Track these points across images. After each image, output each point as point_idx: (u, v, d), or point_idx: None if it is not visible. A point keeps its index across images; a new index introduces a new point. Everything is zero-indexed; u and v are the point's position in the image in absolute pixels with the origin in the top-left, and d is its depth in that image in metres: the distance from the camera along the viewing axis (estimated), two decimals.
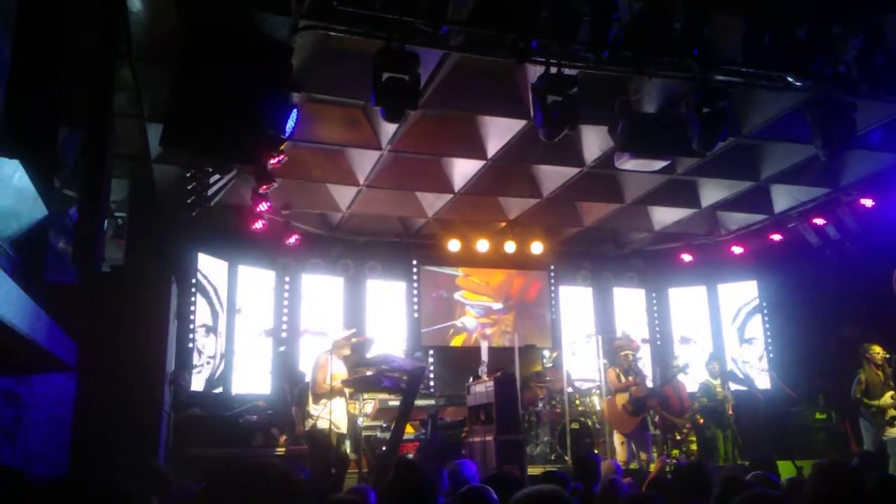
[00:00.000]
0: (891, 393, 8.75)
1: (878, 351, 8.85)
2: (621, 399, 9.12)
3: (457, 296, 12.38)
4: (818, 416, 10.48)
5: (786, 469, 8.70)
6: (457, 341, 12.18)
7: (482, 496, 3.51)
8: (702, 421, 9.73)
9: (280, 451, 8.66)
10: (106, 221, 7.80)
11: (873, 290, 10.23)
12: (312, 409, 7.81)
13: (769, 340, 12.25)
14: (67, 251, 5.64)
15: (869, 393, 8.81)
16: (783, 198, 10.53)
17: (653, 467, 8.92)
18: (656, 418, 10.11)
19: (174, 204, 8.26)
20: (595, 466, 5.52)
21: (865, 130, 7.58)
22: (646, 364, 11.76)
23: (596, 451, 9.32)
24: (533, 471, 8.81)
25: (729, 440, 9.58)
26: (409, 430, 9.41)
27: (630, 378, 9.19)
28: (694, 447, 9.90)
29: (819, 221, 10.28)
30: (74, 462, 4.98)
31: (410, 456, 8.99)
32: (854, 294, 10.38)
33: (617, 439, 9.24)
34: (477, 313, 12.41)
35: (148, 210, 8.84)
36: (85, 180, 5.11)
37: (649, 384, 9.95)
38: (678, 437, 9.94)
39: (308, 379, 8.31)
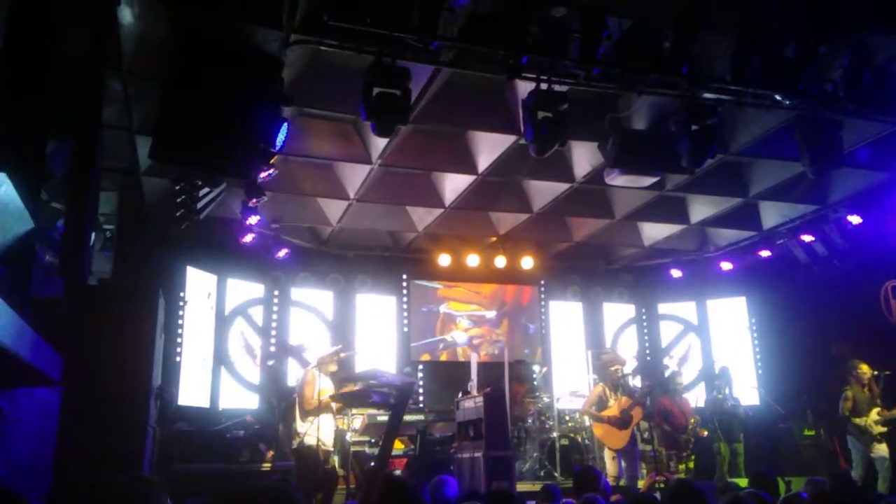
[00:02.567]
0: (877, 409, 8.79)
1: (865, 370, 8.90)
2: (607, 414, 9.07)
3: (443, 309, 12.35)
4: (807, 432, 10.49)
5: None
6: (445, 356, 12.14)
7: None
8: (705, 433, 9.66)
9: (266, 466, 8.58)
10: (94, 234, 7.76)
11: (861, 307, 10.29)
12: (300, 425, 7.74)
13: (758, 356, 12.27)
14: (54, 264, 5.60)
15: (856, 410, 8.86)
16: (771, 214, 10.59)
17: (641, 483, 8.89)
18: (646, 434, 10.08)
19: (163, 217, 8.22)
20: (597, 481, 5.47)
21: (852, 148, 7.64)
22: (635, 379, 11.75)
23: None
24: (522, 487, 8.78)
25: (740, 454, 9.55)
26: (398, 446, 9.36)
27: (612, 405, 9.10)
28: (691, 465, 9.84)
29: (807, 238, 10.33)
30: (58, 476, 4.92)
31: (398, 472, 8.94)
32: (842, 311, 10.43)
33: (607, 455, 9.19)
34: (467, 325, 12.38)
35: (136, 223, 8.80)
36: (72, 192, 5.08)
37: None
38: (684, 454, 9.88)
39: (295, 395, 8.24)
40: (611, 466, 9.02)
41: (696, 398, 10.70)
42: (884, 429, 8.78)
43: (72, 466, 5.12)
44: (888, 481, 8.57)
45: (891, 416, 8.75)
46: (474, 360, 10.41)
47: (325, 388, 7.94)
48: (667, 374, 10.90)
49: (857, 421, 8.81)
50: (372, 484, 7.65)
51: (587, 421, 10.02)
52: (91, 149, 5.29)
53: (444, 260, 11.70)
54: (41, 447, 4.72)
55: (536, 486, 9.02)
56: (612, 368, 9.38)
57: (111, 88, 6.17)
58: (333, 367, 8.29)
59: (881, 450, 8.72)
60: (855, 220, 9.55)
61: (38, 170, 4.82)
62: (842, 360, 9.50)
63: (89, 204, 5.25)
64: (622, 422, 8.91)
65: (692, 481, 5.91)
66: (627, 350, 12.78)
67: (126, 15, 5.49)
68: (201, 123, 5.30)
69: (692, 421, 9.90)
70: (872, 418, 8.76)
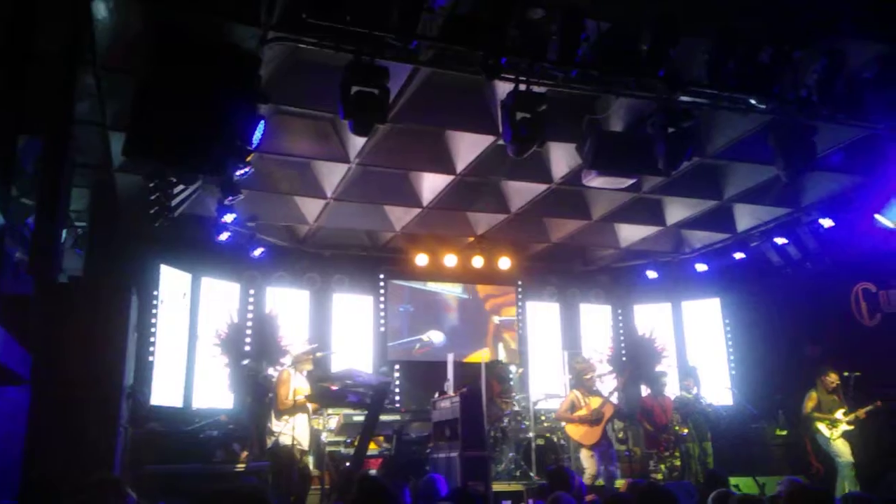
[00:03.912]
0: (844, 409, 9.05)
1: (833, 378, 9.16)
2: (579, 414, 9.22)
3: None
4: (778, 432, 10.63)
5: (747, 486, 8.81)
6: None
7: None
8: (685, 431, 9.74)
9: (240, 466, 8.49)
10: (65, 231, 7.64)
11: (833, 309, 10.44)
12: (275, 424, 7.68)
13: (731, 357, 12.40)
14: (24, 261, 5.50)
15: (820, 409, 9.15)
16: (746, 217, 10.71)
17: (619, 483, 8.94)
18: (621, 434, 10.14)
19: (136, 214, 8.11)
20: (569, 479, 5.52)
21: (825, 152, 7.76)
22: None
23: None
24: (498, 487, 8.80)
25: (709, 453, 9.64)
26: (374, 446, 9.33)
27: (585, 407, 9.26)
28: (678, 462, 9.91)
29: (780, 240, 10.47)
30: (27, 476, 4.84)
31: (373, 472, 8.91)
32: (814, 312, 10.59)
33: (585, 454, 9.27)
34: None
35: (109, 220, 8.67)
36: (43, 189, 5.00)
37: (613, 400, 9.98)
38: (666, 454, 9.94)
39: (270, 394, 8.17)
40: (589, 465, 9.11)
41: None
42: (850, 427, 9.00)
43: (41, 466, 5.04)
44: (850, 480, 8.78)
45: (856, 415, 8.98)
46: (451, 360, 10.40)
47: (300, 387, 7.89)
48: (653, 374, 10.93)
49: (823, 416, 9.08)
50: (348, 484, 7.61)
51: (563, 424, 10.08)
52: (62, 145, 5.21)
53: (421, 260, 11.71)
54: (9, 447, 4.63)
55: (512, 486, 9.08)
56: (587, 377, 9.55)
57: (84, 84, 6.07)
58: (309, 367, 8.24)
59: (845, 450, 8.96)
60: (827, 223, 9.69)
61: (8, 165, 4.74)
62: (815, 362, 9.66)
63: (60, 200, 5.16)
64: (594, 420, 9.11)
65: (659, 484, 5.96)
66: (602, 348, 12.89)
67: (100, 9, 5.40)
68: (176, 120, 5.24)
69: (674, 417, 9.96)
70: (838, 416, 9.04)
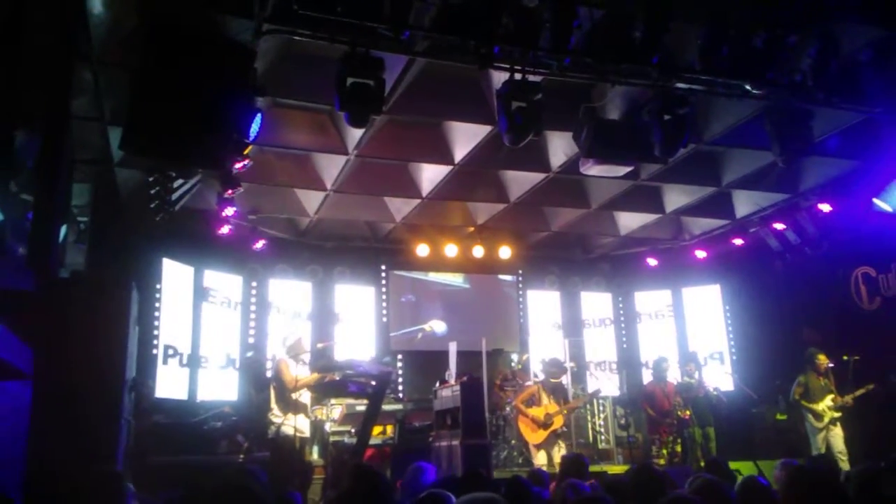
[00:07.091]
0: (831, 396, 9.04)
1: (822, 360, 9.14)
2: (532, 413, 9.32)
3: None
4: (779, 417, 10.65)
5: (747, 470, 8.84)
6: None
7: (441, 501, 3.51)
8: (688, 414, 9.75)
9: (243, 457, 8.57)
10: (67, 226, 7.69)
11: (833, 294, 10.45)
12: (275, 415, 7.73)
13: (731, 342, 12.43)
14: (25, 256, 5.56)
15: (807, 395, 9.13)
16: (744, 203, 10.73)
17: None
18: (622, 420, 10.17)
19: (138, 208, 8.17)
20: (584, 468, 5.55)
21: (822, 137, 7.76)
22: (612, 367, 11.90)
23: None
24: (500, 475, 8.85)
25: (711, 439, 9.67)
26: (377, 431, 9.39)
27: (542, 407, 9.37)
28: (679, 447, 9.95)
29: (779, 226, 10.49)
30: (30, 471, 4.90)
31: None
32: (814, 297, 10.60)
33: (531, 446, 9.44)
34: None
35: (111, 214, 8.71)
36: (40, 184, 5.04)
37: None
38: (668, 439, 9.98)
39: (274, 385, 8.20)
40: (538, 456, 9.28)
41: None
42: (838, 413, 9.00)
43: (44, 460, 5.09)
44: (848, 461, 8.80)
45: (843, 402, 8.98)
46: (453, 349, 10.46)
47: (300, 375, 7.93)
48: (654, 359, 10.97)
49: (810, 405, 9.07)
50: (344, 473, 7.67)
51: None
52: (59, 139, 5.25)
53: (422, 250, 11.77)
54: (12, 442, 4.69)
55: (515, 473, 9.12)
56: (554, 380, 9.66)
57: (82, 79, 6.10)
58: (305, 355, 8.25)
59: (838, 433, 8.97)
60: (825, 208, 9.71)
61: (7, 161, 4.79)
62: (812, 346, 9.67)
63: (58, 195, 5.20)
64: (543, 424, 9.30)
65: (652, 465, 5.99)
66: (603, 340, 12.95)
67: (95, 4, 5.44)
68: (172, 114, 5.26)
69: (676, 401, 9.99)
70: (826, 404, 9.02)
